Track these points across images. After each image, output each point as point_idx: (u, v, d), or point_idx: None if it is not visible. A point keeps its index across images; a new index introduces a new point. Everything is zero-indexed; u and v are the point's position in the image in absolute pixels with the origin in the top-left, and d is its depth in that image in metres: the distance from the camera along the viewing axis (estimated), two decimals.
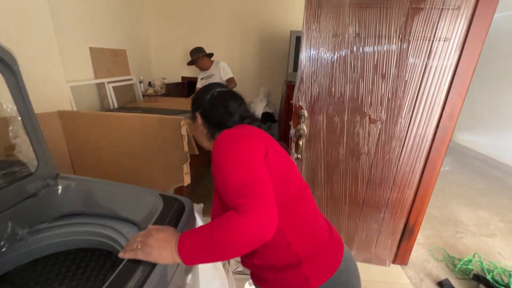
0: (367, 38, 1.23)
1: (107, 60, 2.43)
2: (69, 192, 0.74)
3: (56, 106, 1.65)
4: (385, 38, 1.21)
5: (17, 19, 1.44)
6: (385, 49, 1.23)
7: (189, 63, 2.74)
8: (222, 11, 3.06)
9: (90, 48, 2.25)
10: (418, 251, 1.80)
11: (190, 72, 3.35)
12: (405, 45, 1.21)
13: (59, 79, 1.77)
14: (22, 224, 0.65)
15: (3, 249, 0.60)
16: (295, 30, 2.62)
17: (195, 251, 0.49)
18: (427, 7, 1.15)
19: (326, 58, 1.29)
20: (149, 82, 3.07)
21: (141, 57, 3.07)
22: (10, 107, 0.66)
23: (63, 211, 0.73)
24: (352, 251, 1.69)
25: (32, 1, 1.53)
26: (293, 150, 1.50)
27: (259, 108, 3.01)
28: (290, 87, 2.78)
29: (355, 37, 1.24)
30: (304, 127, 1.42)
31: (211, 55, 2.75)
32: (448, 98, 1.25)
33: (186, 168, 1.15)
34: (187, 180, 1.18)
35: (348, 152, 1.42)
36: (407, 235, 1.56)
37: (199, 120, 0.72)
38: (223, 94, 0.74)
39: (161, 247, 0.51)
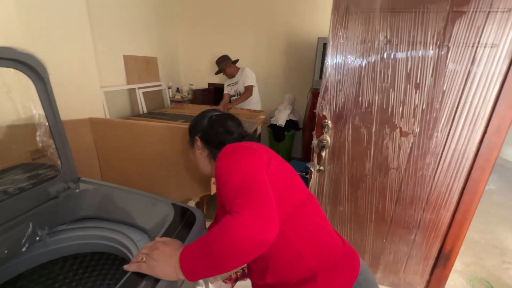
0: (400, 45, 1.14)
1: (139, 67, 2.57)
2: (87, 196, 0.76)
3: (90, 110, 1.76)
4: (420, 45, 1.12)
5: (59, 28, 1.57)
6: (420, 56, 1.13)
7: (217, 73, 2.80)
8: (249, 18, 3.10)
9: (124, 56, 2.39)
10: (456, 280, 1.61)
11: (216, 78, 3.41)
12: (443, 52, 1.10)
13: (94, 85, 1.90)
14: (42, 225, 0.67)
15: (23, 249, 0.63)
16: (323, 37, 2.56)
17: (197, 265, 0.47)
18: (471, 10, 1.03)
19: (354, 65, 1.22)
20: (177, 88, 3.19)
21: (170, 64, 3.20)
22: (38, 113, 0.69)
23: (81, 214, 0.75)
24: (377, 273, 1.55)
25: (73, 12, 1.67)
26: (315, 161, 1.43)
27: (283, 116, 2.96)
28: (315, 94, 2.70)
29: (386, 44, 1.15)
30: (327, 138, 1.35)
31: (236, 61, 2.78)
32: (495, 110, 1.10)
33: (214, 178, 1.14)
34: (214, 189, 1.18)
35: (376, 166, 1.32)
36: (442, 261, 1.40)
37: (199, 143, 0.74)
38: (221, 116, 0.78)
39: (165, 262, 0.49)
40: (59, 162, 0.74)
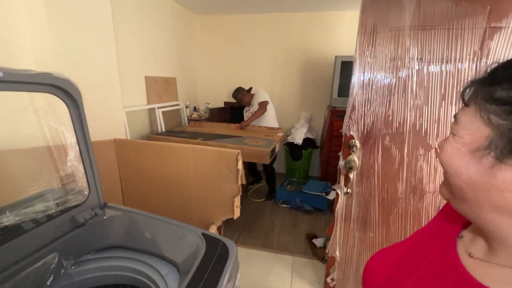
0: (432, 62, 1.09)
1: (159, 87, 2.63)
2: (114, 223, 0.72)
3: (112, 130, 1.78)
4: (455, 62, 1.06)
5: (87, 51, 1.63)
6: (456, 71, 1.07)
7: (236, 104, 2.86)
8: (265, 38, 3.16)
9: (146, 77, 2.45)
10: None
11: (229, 98, 3.45)
12: (481, 68, 1.04)
13: (117, 105, 1.94)
14: (68, 256, 0.63)
15: (48, 282, 0.59)
16: (340, 55, 2.55)
17: None
18: (510, 25, 0.98)
19: (383, 84, 1.17)
20: (194, 107, 3.23)
21: (188, 83, 3.28)
22: (69, 137, 0.68)
23: (107, 243, 0.71)
24: None
25: (100, 35, 1.74)
26: (342, 183, 1.35)
27: (300, 134, 2.92)
28: (333, 112, 2.66)
29: (418, 61, 1.11)
30: (355, 159, 1.28)
31: (250, 89, 2.86)
32: None
33: (237, 201, 1.10)
34: (237, 213, 1.13)
35: (409, 189, 1.23)
36: None
37: None
38: None
39: None
40: (87, 187, 0.71)
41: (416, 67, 1.11)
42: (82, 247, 0.67)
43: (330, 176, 2.79)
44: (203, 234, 0.66)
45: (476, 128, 0.30)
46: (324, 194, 2.51)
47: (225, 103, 3.51)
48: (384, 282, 0.40)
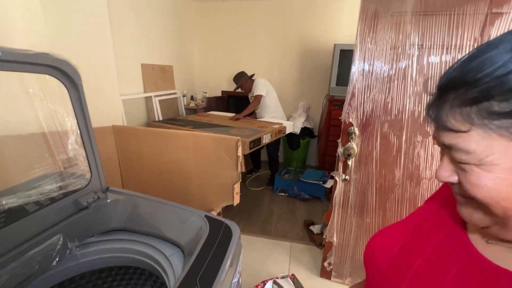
0: (433, 49, 1.09)
1: (155, 75, 2.59)
2: (117, 207, 0.73)
3: (109, 117, 1.76)
4: (456, 48, 1.06)
5: (82, 37, 1.59)
6: (455, 60, 1.07)
7: (236, 89, 2.81)
8: (263, 26, 3.11)
9: (142, 64, 2.41)
10: None
11: (230, 86, 3.42)
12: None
13: (113, 93, 1.91)
14: (72, 237, 0.64)
15: (54, 263, 0.60)
16: (340, 43, 2.52)
17: None
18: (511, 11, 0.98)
19: (383, 71, 1.17)
20: (192, 96, 3.20)
21: (185, 72, 3.23)
22: (71, 120, 0.67)
23: (110, 226, 0.72)
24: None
25: (96, 22, 1.69)
26: (340, 170, 1.37)
27: (298, 123, 2.92)
28: (331, 101, 2.66)
29: (418, 48, 1.11)
30: (354, 146, 1.29)
31: (252, 76, 2.80)
32: None
33: (237, 187, 1.11)
34: (236, 199, 1.14)
35: (406, 176, 1.25)
36: None
37: None
38: None
39: None
40: (88, 171, 0.71)
41: (417, 54, 1.11)
42: (86, 230, 0.68)
43: (327, 165, 2.81)
44: (206, 216, 0.67)
45: (504, 148, 0.27)
46: (321, 182, 2.54)
47: (223, 92, 3.48)
48: (391, 264, 0.40)
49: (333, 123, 2.66)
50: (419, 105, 1.15)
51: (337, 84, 2.58)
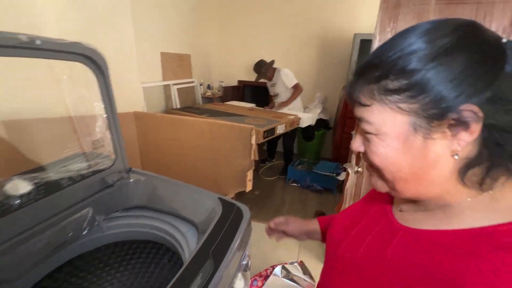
0: None
1: (174, 63, 2.65)
2: (138, 186, 0.79)
3: (130, 104, 1.84)
4: None
5: (106, 27, 1.66)
6: None
7: (258, 78, 2.77)
8: (281, 15, 3.06)
9: (161, 53, 2.47)
10: None
11: (246, 76, 3.43)
12: None
13: (134, 80, 1.98)
14: (99, 212, 0.71)
15: (84, 232, 0.67)
16: (360, 33, 2.45)
17: None
18: None
19: None
20: (208, 85, 3.25)
21: (202, 61, 3.27)
22: (98, 105, 0.73)
23: (132, 203, 0.78)
24: None
25: (118, 11, 1.75)
26: (353, 162, 1.37)
27: (313, 115, 2.90)
28: None
29: None
30: None
31: (273, 62, 2.77)
32: None
33: (250, 175, 1.15)
34: (249, 186, 1.18)
35: None
36: None
37: (473, 123, 0.29)
38: None
39: None
40: (113, 152, 0.78)
41: None
42: (111, 205, 0.74)
43: (341, 157, 2.79)
44: (219, 198, 0.72)
45: (393, 120, 0.32)
46: (334, 174, 2.53)
47: (239, 81, 3.50)
48: (340, 235, 0.48)
49: (349, 115, 2.62)
50: None
51: None
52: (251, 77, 3.23)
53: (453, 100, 0.29)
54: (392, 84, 0.31)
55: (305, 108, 3.06)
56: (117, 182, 0.76)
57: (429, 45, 0.30)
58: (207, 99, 3.13)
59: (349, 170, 1.40)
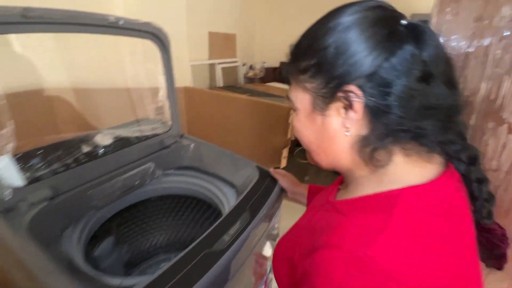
0: None
1: (220, 43, 2.75)
2: (189, 150, 0.92)
3: (179, 80, 2.01)
4: None
5: (160, 5, 1.80)
6: None
7: None
8: None
9: (209, 33, 2.58)
10: None
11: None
12: None
13: (184, 58, 2.14)
14: (159, 167, 0.86)
15: (147, 181, 0.82)
16: (419, 13, 2.24)
17: None
18: None
19: (458, 47, 1.06)
20: (250, 66, 3.31)
21: (247, 41, 3.32)
22: (160, 78, 0.86)
23: (183, 164, 0.92)
24: None
25: None
26: None
27: None
28: None
29: (510, 22, 0.96)
30: None
31: None
32: None
33: (285, 152, 1.23)
34: (283, 163, 1.27)
35: None
36: None
37: (357, 108, 0.32)
38: (429, 36, 0.31)
39: None
40: (170, 119, 0.91)
41: (506, 29, 0.97)
42: (167, 163, 0.89)
43: None
44: (257, 166, 0.81)
45: (302, 98, 0.36)
46: None
47: (281, 63, 3.49)
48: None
49: None
50: (498, 89, 1.03)
51: None
52: None
53: (339, 80, 0.32)
54: (301, 65, 0.35)
55: None
56: (172, 145, 0.89)
57: (329, 29, 0.33)
58: (249, 80, 3.21)
59: None
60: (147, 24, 0.75)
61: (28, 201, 0.56)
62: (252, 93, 2.38)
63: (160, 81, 0.85)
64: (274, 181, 0.77)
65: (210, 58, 2.67)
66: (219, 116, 1.35)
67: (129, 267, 0.98)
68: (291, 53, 0.38)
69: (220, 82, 2.78)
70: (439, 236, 0.29)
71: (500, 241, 0.31)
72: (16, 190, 0.56)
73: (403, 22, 0.31)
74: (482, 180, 0.34)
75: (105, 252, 0.85)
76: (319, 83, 0.34)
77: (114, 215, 0.83)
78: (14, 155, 0.56)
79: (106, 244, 0.86)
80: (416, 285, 0.26)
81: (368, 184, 0.35)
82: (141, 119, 0.90)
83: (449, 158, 0.35)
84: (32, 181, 0.59)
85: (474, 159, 0.34)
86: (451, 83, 0.31)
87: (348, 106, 0.32)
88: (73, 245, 0.61)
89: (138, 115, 0.90)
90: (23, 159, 0.59)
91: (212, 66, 2.70)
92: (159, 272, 0.45)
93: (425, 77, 0.30)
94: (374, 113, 0.31)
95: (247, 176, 0.79)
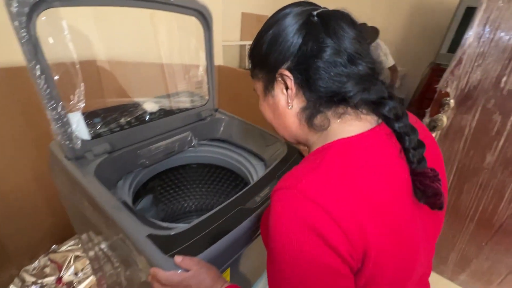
0: None
1: (252, 24, 2.75)
2: (222, 123, 0.99)
3: None
4: None
5: None
6: None
7: None
8: None
9: (242, 13, 2.59)
10: None
11: None
12: None
13: (217, 38, 2.18)
14: (195, 136, 0.94)
15: (185, 148, 0.91)
16: None
17: None
18: None
19: (508, 38, 1.01)
20: None
21: None
22: (201, 54, 0.92)
23: (216, 136, 1.00)
24: (462, 275, 1.43)
25: None
26: None
27: None
28: (436, 71, 2.31)
29: None
30: (443, 118, 1.22)
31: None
32: None
33: None
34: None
35: (501, 161, 1.14)
36: None
37: (289, 84, 0.42)
38: (335, 19, 0.39)
39: None
40: (207, 94, 0.98)
41: None
42: (202, 134, 0.97)
43: None
44: (285, 142, 0.86)
45: (258, 86, 0.49)
46: None
47: None
48: None
49: (429, 96, 2.36)
50: None
51: (450, 51, 2.20)
52: None
53: (274, 66, 0.42)
54: (253, 62, 0.48)
55: None
56: (208, 117, 0.97)
57: (263, 30, 0.44)
58: None
59: None
60: (194, 1, 0.80)
61: (93, 152, 0.67)
62: None
63: (201, 57, 0.92)
64: (301, 156, 0.82)
65: (241, 39, 2.69)
66: (248, 95, 1.39)
67: None
68: (248, 55, 0.49)
69: (249, 63, 2.81)
70: (364, 176, 0.35)
71: (432, 181, 0.36)
72: (84, 142, 0.66)
73: (314, 13, 0.40)
74: (409, 133, 0.39)
75: (144, 208, 0.97)
76: (264, 73, 0.45)
77: (153, 176, 0.93)
78: (83, 113, 0.66)
79: (146, 201, 0.97)
80: (344, 215, 0.32)
81: (317, 145, 0.43)
82: (181, 92, 0.98)
83: (382, 117, 0.42)
84: (95, 136, 0.69)
85: (400, 116, 0.40)
86: (358, 54, 0.38)
87: (285, 86, 0.43)
88: (125, 194, 0.71)
89: (179, 88, 0.98)
90: (89, 117, 0.69)
91: (242, 48, 2.73)
92: (199, 219, 0.53)
93: (334, 53, 0.38)
94: (304, 87, 0.41)
95: (276, 150, 0.85)
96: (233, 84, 1.46)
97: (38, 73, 0.53)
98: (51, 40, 0.55)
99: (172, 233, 0.48)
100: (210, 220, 0.53)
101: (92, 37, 1.12)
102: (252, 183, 0.85)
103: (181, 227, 0.50)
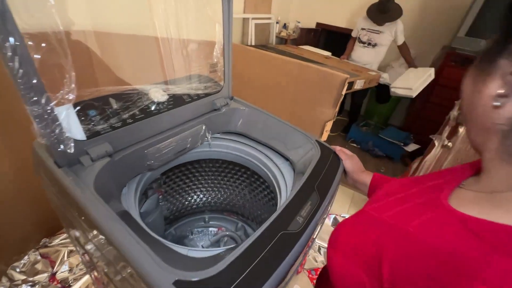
0: None
1: None
2: (239, 114, 0.85)
3: (212, 36, 1.86)
4: None
5: None
6: None
7: (381, 20, 2.26)
8: None
9: None
10: None
11: (328, 18, 3.08)
12: None
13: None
14: (209, 130, 0.80)
15: (198, 144, 0.78)
16: None
17: None
18: None
19: None
20: (284, 24, 3.03)
21: None
22: (218, 31, 0.75)
23: (232, 128, 0.86)
24: None
25: None
26: (444, 135, 1.24)
27: (394, 75, 2.58)
28: (450, 56, 2.19)
29: None
30: None
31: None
32: None
33: (329, 125, 1.14)
34: (325, 136, 1.19)
35: None
36: None
37: None
38: None
39: None
40: (223, 79, 0.83)
41: None
42: (216, 126, 0.83)
43: (415, 128, 2.54)
44: (317, 141, 0.74)
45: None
46: (402, 144, 2.36)
47: (318, 24, 3.19)
48: (383, 194, 0.46)
49: (441, 82, 2.26)
50: None
51: (468, 34, 2.06)
52: (333, 20, 2.91)
53: None
54: None
55: (387, 66, 2.73)
56: (222, 107, 0.83)
57: None
58: (280, 40, 2.97)
59: (436, 142, 1.28)
60: None
61: (90, 155, 0.53)
62: (286, 55, 2.21)
63: (217, 32, 0.75)
64: (337, 160, 0.71)
65: (245, 11, 2.44)
66: (261, 77, 1.25)
67: (168, 222, 1.01)
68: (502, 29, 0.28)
69: (252, 39, 2.58)
70: None
71: None
72: (78, 143, 0.52)
73: None
74: None
75: (150, 208, 0.85)
76: None
77: (168, 169, 0.82)
78: (75, 105, 0.51)
79: (151, 200, 0.85)
80: None
81: (502, 181, 0.29)
82: (195, 75, 0.82)
83: None
84: (91, 135, 0.55)
85: None
86: None
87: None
88: (132, 205, 0.59)
89: (191, 70, 0.82)
90: (82, 111, 0.54)
91: (245, 21, 2.49)
92: (240, 250, 0.42)
93: None
94: None
95: (306, 151, 0.73)
96: (244, 64, 1.30)
97: (9, 53, 0.37)
98: (26, 7, 0.38)
99: (210, 275, 0.37)
100: (250, 253, 0.42)
101: (83, 4, 0.92)
102: (274, 184, 0.75)
103: (214, 266, 0.39)
